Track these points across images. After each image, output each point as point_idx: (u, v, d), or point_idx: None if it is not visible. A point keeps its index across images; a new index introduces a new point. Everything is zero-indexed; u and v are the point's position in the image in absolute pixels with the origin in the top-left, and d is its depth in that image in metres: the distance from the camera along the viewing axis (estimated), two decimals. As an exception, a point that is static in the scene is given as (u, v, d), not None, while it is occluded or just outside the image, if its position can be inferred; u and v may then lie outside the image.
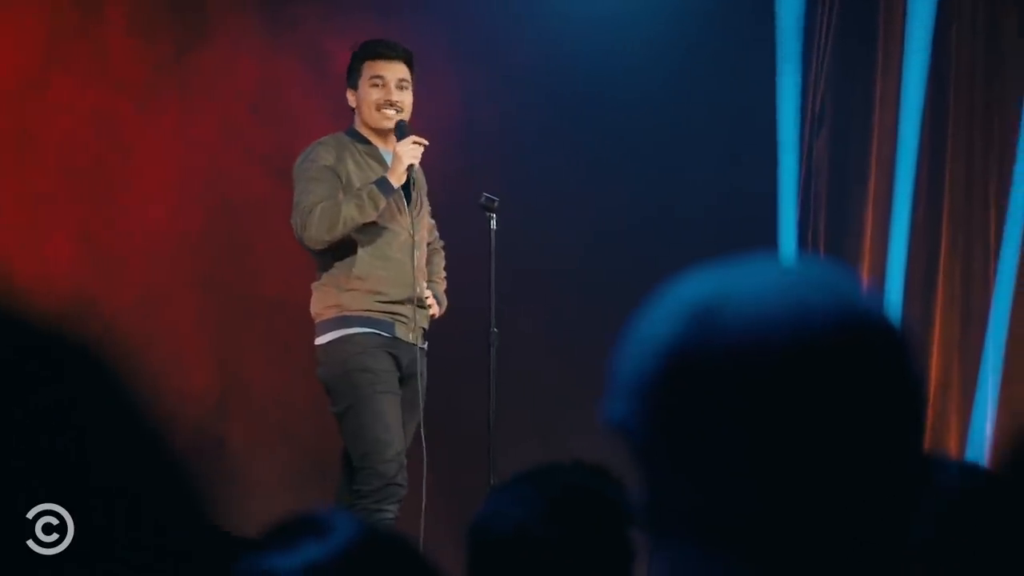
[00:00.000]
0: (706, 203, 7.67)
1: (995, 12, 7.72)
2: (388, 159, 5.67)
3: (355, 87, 5.78)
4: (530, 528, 2.23)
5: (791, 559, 1.19)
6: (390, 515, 5.49)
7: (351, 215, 5.51)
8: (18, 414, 1.03)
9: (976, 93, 7.69)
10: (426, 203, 5.86)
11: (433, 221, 6.01)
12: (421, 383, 5.71)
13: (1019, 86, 7.63)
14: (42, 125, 6.94)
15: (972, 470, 1.95)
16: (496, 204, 5.88)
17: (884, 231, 7.64)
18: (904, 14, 7.67)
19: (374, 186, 5.55)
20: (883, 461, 1.20)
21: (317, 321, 5.68)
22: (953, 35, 7.69)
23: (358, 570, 1.43)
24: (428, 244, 5.93)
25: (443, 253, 6.06)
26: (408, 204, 5.71)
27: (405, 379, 5.67)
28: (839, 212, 7.74)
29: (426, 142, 5.64)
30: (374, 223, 5.60)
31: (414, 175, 5.68)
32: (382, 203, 5.55)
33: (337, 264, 5.64)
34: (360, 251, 5.62)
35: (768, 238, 7.61)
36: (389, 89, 5.72)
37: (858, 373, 1.19)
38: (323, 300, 5.66)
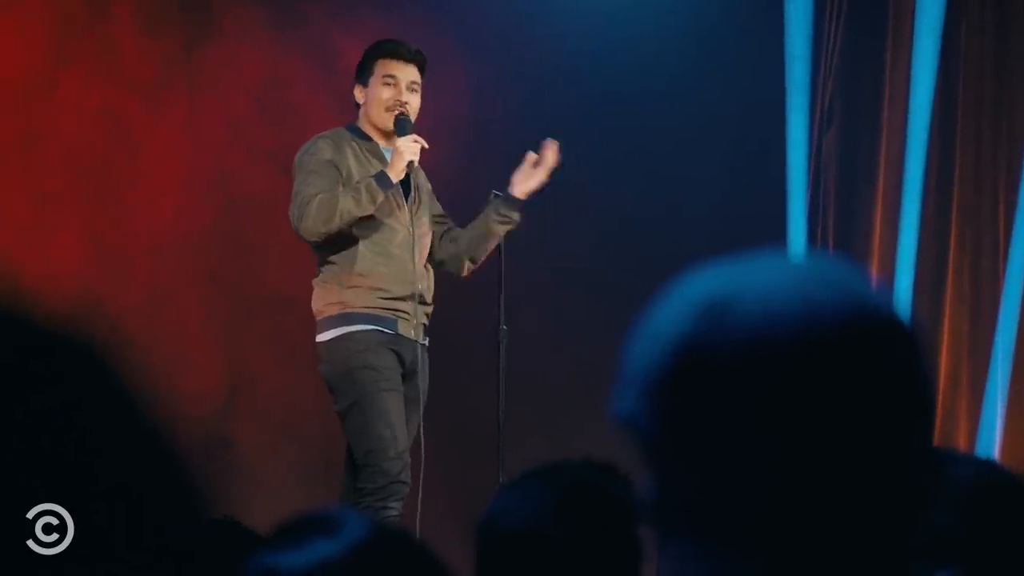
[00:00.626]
0: (715, 200, 7.67)
1: (1004, 9, 7.71)
2: (389, 156, 5.66)
3: (365, 84, 5.77)
4: (539, 525, 2.23)
5: (800, 556, 1.18)
6: (394, 512, 5.48)
7: (348, 208, 5.49)
8: (19, 414, 1.02)
9: (985, 90, 7.68)
10: (427, 202, 5.83)
11: (444, 212, 5.97)
12: (423, 380, 5.71)
13: (1028, 83, 7.63)
14: (50, 124, 6.94)
15: (987, 466, 1.95)
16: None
17: (893, 228, 7.63)
18: (913, 11, 7.67)
19: (372, 180, 5.54)
20: (893, 458, 1.20)
21: (319, 318, 5.67)
22: (962, 32, 7.69)
23: (369, 568, 1.43)
24: (446, 229, 5.90)
25: None
26: (407, 201, 5.71)
27: (407, 376, 5.66)
28: (848, 209, 7.74)
29: (426, 144, 5.62)
30: (373, 219, 5.58)
31: (414, 173, 5.67)
32: (380, 197, 5.53)
33: (338, 261, 5.63)
34: (361, 248, 5.61)
35: (777, 235, 7.60)
36: (400, 90, 5.72)
37: (868, 370, 1.19)
38: (325, 297, 5.65)
